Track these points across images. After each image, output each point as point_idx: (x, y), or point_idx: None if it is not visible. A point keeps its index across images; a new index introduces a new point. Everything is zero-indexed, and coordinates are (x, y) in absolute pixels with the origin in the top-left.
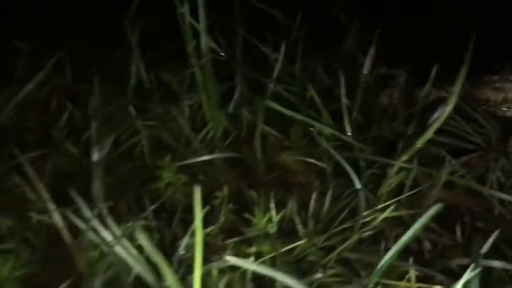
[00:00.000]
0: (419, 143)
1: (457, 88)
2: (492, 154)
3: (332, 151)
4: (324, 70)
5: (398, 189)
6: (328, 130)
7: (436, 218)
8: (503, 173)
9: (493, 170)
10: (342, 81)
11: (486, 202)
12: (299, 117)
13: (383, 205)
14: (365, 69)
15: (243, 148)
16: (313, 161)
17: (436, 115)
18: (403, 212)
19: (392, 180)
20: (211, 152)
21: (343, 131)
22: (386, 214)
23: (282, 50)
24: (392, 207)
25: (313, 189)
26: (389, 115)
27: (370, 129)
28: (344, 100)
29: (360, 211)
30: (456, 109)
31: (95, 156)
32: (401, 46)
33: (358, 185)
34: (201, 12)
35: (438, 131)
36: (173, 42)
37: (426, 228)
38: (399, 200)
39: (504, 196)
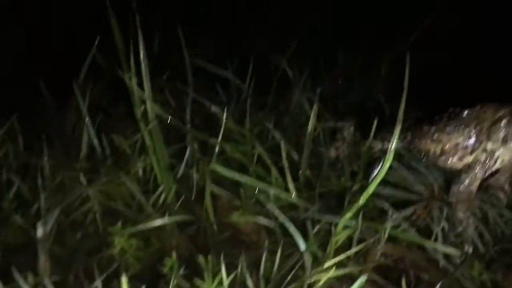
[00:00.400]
0: (362, 199)
1: (393, 141)
2: (436, 204)
3: (276, 212)
4: (274, 126)
5: (347, 244)
6: (272, 191)
7: (381, 271)
8: (447, 223)
9: (437, 220)
10: (283, 144)
11: (431, 254)
12: (243, 179)
13: (331, 262)
14: (310, 125)
15: (195, 210)
16: (262, 221)
17: (377, 169)
18: (350, 269)
19: (339, 237)
20: (163, 215)
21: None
22: (331, 273)
23: (231, 108)
24: (338, 265)
25: (264, 249)
26: (338, 169)
27: (320, 184)
28: (285, 163)
29: (306, 271)
30: (400, 160)
31: (40, 231)
32: (348, 99)
33: (302, 247)
34: (145, 80)
35: (384, 183)
36: (125, 104)
37: (372, 281)
38: (347, 256)
39: (446, 249)
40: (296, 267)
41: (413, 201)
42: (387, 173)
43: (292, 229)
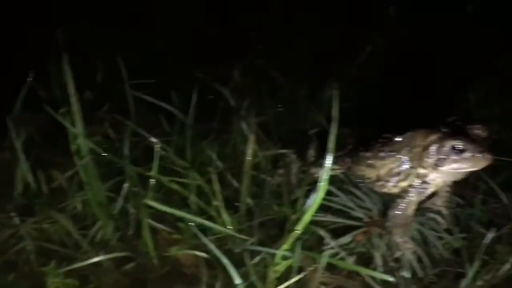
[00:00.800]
0: (299, 228)
1: (325, 167)
2: (375, 230)
3: (211, 245)
4: (217, 156)
5: (287, 274)
6: (207, 224)
7: None
8: (387, 248)
9: (377, 246)
10: (214, 177)
11: (369, 281)
12: (178, 213)
13: None
14: (248, 153)
15: (134, 245)
16: (201, 254)
17: (313, 196)
18: None
19: (278, 267)
20: (100, 252)
21: (234, 218)
22: None
23: (173, 140)
24: None
25: (203, 282)
26: (280, 197)
27: (261, 213)
28: (218, 201)
29: None
30: (339, 186)
31: None
32: (293, 126)
33: (236, 280)
34: (77, 118)
35: (324, 209)
36: (63, 139)
37: None
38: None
39: (383, 276)
40: None
41: (353, 227)
42: (328, 200)
43: (225, 261)
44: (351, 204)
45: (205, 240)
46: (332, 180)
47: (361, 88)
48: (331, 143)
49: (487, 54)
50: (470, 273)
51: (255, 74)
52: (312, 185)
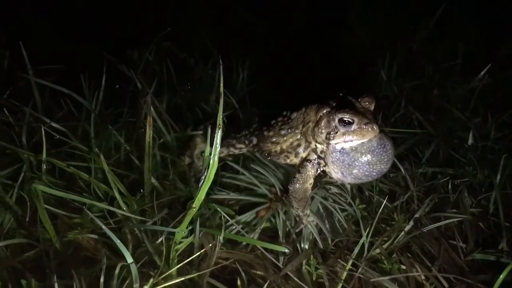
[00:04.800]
0: (195, 205)
1: (215, 146)
2: (278, 205)
3: (103, 226)
4: (125, 140)
5: (189, 251)
6: (105, 207)
7: (222, 271)
8: (290, 223)
9: (279, 222)
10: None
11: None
12: (74, 197)
13: (173, 269)
14: (147, 135)
15: (34, 232)
16: (93, 236)
17: (204, 175)
18: (192, 275)
19: (180, 245)
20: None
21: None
22: (173, 282)
23: (80, 125)
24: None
25: (104, 264)
26: (188, 177)
27: (168, 193)
28: (118, 183)
29: (133, 283)
30: (245, 165)
31: None
32: (205, 108)
33: (129, 259)
34: None
35: (228, 187)
36: None
37: (212, 286)
38: (189, 261)
39: (278, 248)
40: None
41: (259, 204)
42: (234, 178)
43: (118, 242)
44: (256, 181)
45: (99, 222)
46: (238, 158)
47: (269, 70)
48: (219, 119)
49: (399, 35)
50: (362, 241)
51: (166, 56)
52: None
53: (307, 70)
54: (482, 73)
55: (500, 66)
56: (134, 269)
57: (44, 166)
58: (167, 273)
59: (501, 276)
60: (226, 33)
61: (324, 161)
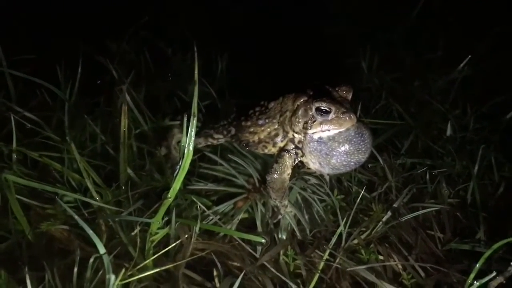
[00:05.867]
0: (170, 195)
1: (190, 137)
2: (255, 195)
3: (75, 216)
4: (101, 131)
5: (165, 242)
6: (78, 197)
7: (198, 262)
8: (267, 213)
9: (257, 212)
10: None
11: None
12: (43, 187)
13: (148, 260)
14: (122, 125)
15: (6, 223)
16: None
17: (179, 165)
18: (167, 266)
19: (156, 236)
20: None
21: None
22: (148, 273)
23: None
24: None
25: (77, 255)
26: (167, 167)
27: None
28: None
29: (107, 273)
30: (224, 155)
31: None
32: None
33: (101, 250)
34: None
35: (206, 178)
36: None
37: (188, 277)
38: (165, 252)
39: (254, 238)
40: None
41: (237, 194)
42: (212, 169)
43: (90, 233)
44: (234, 172)
45: (71, 212)
46: (217, 149)
47: (249, 60)
48: (194, 107)
49: (381, 26)
50: (340, 230)
51: (144, 47)
52: (197, 154)
53: (287, 61)
54: (462, 64)
55: (480, 58)
56: (106, 259)
57: (14, 156)
58: (142, 264)
59: (477, 265)
60: (205, 24)
61: (302, 151)
